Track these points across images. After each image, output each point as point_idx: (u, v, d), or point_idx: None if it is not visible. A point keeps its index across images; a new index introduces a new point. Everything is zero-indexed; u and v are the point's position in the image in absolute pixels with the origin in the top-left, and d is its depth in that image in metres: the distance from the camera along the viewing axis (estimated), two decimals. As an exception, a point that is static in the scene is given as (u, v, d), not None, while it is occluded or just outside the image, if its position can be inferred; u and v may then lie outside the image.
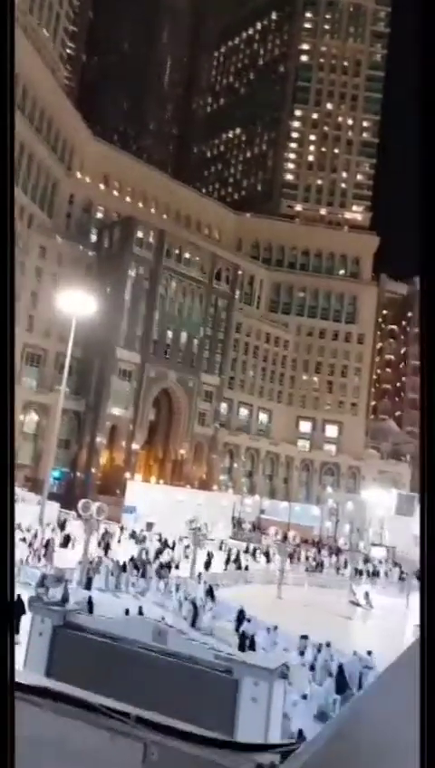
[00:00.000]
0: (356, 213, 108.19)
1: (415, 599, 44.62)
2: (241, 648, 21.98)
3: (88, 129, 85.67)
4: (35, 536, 36.60)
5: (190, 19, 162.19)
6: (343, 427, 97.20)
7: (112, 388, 68.17)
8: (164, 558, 38.92)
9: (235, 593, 33.53)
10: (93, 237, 78.05)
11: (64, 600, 19.85)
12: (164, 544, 43.80)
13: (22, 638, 9.23)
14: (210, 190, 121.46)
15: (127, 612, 20.75)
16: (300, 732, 13.87)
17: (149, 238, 71.87)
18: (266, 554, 49.38)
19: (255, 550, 51.28)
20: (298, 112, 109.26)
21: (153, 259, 71.42)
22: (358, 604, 38.23)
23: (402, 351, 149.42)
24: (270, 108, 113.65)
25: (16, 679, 2.10)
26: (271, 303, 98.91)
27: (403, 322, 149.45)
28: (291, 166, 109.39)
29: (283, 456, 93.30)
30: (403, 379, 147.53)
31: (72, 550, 37.10)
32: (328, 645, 21.82)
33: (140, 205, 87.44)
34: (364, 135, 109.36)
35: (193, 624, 25.38)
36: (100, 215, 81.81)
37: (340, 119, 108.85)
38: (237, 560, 44.81)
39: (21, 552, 31.60)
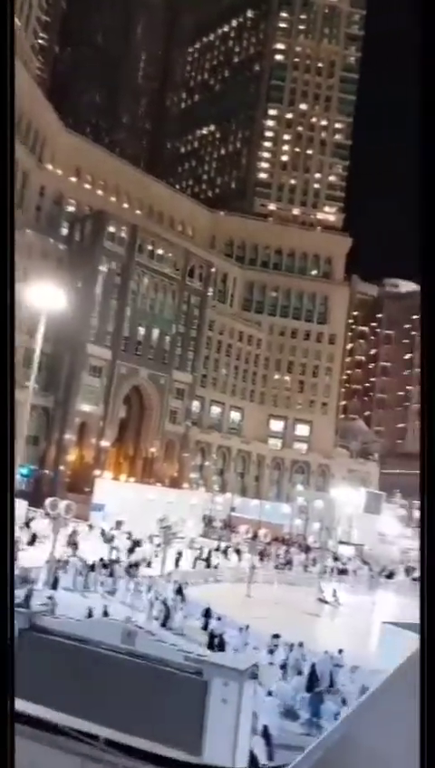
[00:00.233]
0: (329, 214, 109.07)
1: (381, 596, 45.18)
2: (210, 646, 21.89)
3: (60, 121, 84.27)
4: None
5: (165, 13, 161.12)
6: (313, 425, 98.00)
7: (82, 384, 67.32)
8: (134, 557, 38.56)
9: (204, 592, 33.42)
10: (64, 231, 76.84)
11: (27, 598, 19.39)
12: (134, 543, 43.40)
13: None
14: (184, 187, 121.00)
15: (90, 614, 20.42)
16: (265, 728, 13.84)
17: (121, 233, 71.13)
18: (238, 552, 49.38)
19: (226, 548, 51.25)
20: (272, 111, 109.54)
21: (125, 254, 70.73)
22: (326, 602, 38.51)
23: (372, 352, 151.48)
24: (245, 106, 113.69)
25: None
26: (244, 302, 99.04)
27: (373, 324, 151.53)
28: (265, 165, 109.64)
29: (254, 455, 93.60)
30: (372, 379, 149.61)
31: (40, 548, 36.45)
32: (301, 645, 21.87)
33: (113, 199, 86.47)
34: (337, 137, 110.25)
35: (164, 624, 25.16)
36: (71, 208, 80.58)
37: (314, 119, 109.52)
38: (208, 558, 44.69)
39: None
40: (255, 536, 64.50)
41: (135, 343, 71.78)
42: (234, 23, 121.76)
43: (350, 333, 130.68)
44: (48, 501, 33.43)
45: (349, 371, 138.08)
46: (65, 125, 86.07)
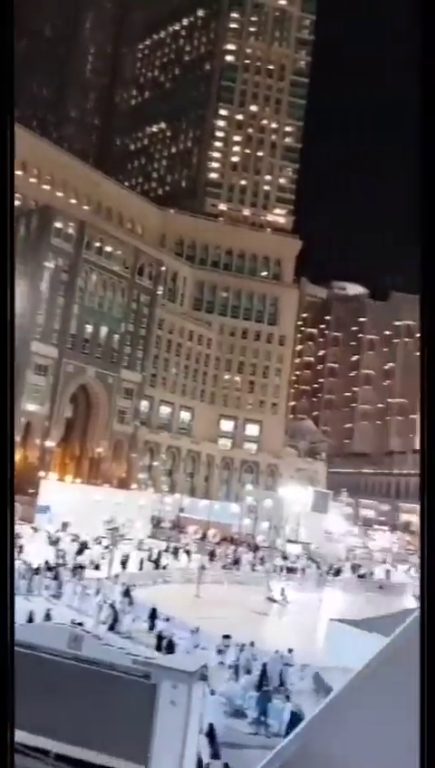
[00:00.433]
0: (279, 216, 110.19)
1: (328, 593, 45.80)
2: (158, 648, 21.54)
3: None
4: None
5: (115, 8, 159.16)
6: (263, 425, 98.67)
7: (27, 383, 65.44)
8: (80, 559, 37.69)
9: (152, 593, 32.96)
10: (9, 225, 74.60)
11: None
12: (81, 545, 42.46)
13: None
14: (133, 184, 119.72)
15: (30, 619, 19.73)
16: (211, 726, 13.69)
17: (68, 229, 69.59)
18: (187, 552, 49.05)
19: (176, 549, 50.83)
20: (223, 112, 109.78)
21: (73, 251, 69.23)
22: (274, 600, 38.70)
23: (321, 354, 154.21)
24: (195, 105, 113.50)
25: None
26: (194, 301, 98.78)
27: (322, 326, 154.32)
28: (215, 165, 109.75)
29: (204, 455, 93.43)
30: (321, 380, 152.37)
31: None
32: (252, 644, 21.79)
33: (60, 194, 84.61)
34: (287, 140, 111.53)
35: (112, 628, 24.59)
36: (17, 202, 78.34)
37: (264, 121, 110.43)
38: (158, 559, 44.20)
39: None
40: (204, 536, 64.33)
41: (82, 341, 70.37)
42: (185, 21, 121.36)
43: (299, 335, 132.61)
44: (-10, 503, 32.13)
45: (298, 372, 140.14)
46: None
